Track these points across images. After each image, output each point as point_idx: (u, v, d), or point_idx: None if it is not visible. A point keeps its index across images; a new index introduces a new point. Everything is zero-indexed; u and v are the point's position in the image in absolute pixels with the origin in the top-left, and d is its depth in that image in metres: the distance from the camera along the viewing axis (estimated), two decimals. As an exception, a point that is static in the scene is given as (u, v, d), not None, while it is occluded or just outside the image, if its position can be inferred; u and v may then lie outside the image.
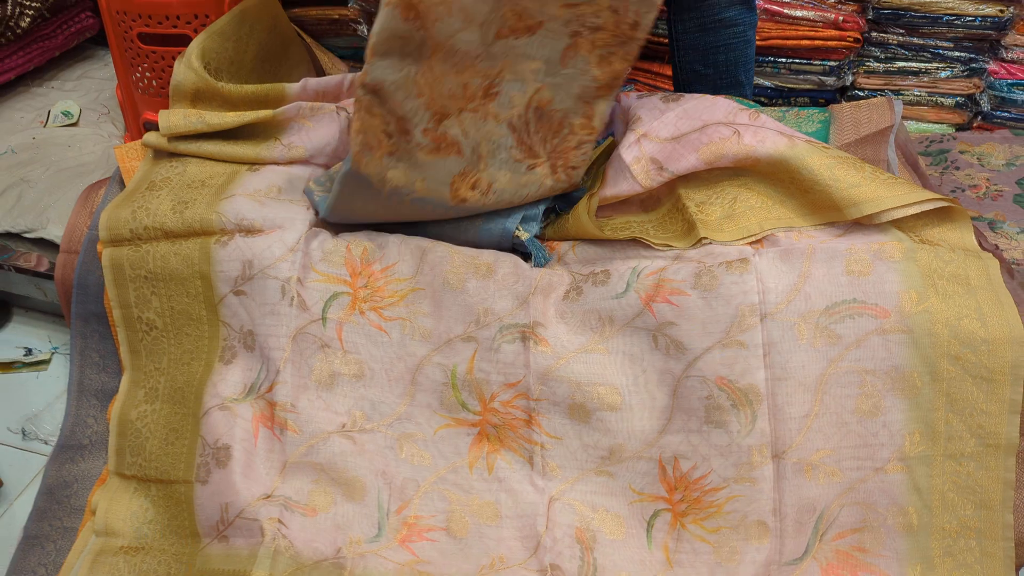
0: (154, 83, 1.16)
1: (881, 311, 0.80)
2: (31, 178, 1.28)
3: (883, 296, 0.80)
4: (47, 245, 1.19)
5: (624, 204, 0.97)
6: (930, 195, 0.84)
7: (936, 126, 1.41)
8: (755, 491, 0.80)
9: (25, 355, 1.25)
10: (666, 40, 1.20)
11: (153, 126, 1.02)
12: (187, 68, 1.00)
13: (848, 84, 1.40)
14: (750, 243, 0.86)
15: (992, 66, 1.33)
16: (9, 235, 1.20)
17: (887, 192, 0.84)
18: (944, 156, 1.09)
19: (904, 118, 1.39)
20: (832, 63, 1.37)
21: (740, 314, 0.81)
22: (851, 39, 1.32)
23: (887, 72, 1.37)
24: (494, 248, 0.94)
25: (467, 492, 0.86)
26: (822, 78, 1.39)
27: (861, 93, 1.40)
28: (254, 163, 1.00)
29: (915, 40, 1.33)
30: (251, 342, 0.90)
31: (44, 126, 1.43)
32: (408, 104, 0.81)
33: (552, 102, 0.89)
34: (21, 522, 0.96)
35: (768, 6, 1.32)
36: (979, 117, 1.38)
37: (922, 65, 1.35)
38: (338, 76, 1.10)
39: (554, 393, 0.85)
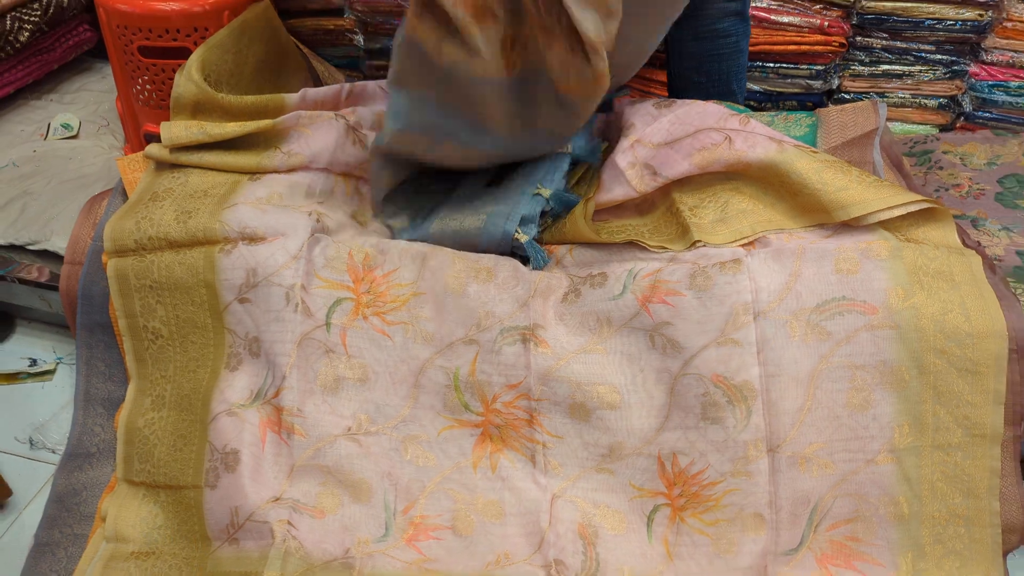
0: (155, 95, 1.18)
1: (869, 308, 0.82)
2: (33, 191, 1.29)
3: (871, 293, 0.82)
4: (51, 257, 1.20)
5: (619, 208, 0.99)
6: (914, 196, 0.87)
7: (920, 127, 1.44)
8: (751, 484, 0.82)
9: (30, 366, 1.26)
10: (662, 47, 1.22)
11: (154, 138, 1.03)
12: (188, 80, 1.01)
13: (834, 87, 1.43)
14: (742, 245, 0.89)
15: (973, 68, 1.36)
16: (13, 247, 1.21)
17: (873, 194, 0.87)
18: (928, 156, 1.12)
19: (889, 119, 1.43)
20: (818, 67, 1.39)
21: (734, 313, 0.83)
22: (836, 44, 1.35)
23: (872, 75, 1.40)
24: (494, 251, 0.96)
25: (471, 491, 0.88)
26: (809, 82, 1.41)
27: (847, 96, 1.43)
28: (255, 172, 1.01)
29: (898, 44, 1.36)
30: (257, 348, 0.91)
31: (44, 139, 1.44)
32: None
33: None
34: (31, 530, 0.97)
35: (756, 13, 1.34)
36: (962, 118, 1.41)
37: (906, 68, 1.38)
38: (336, 86, 1.12)
39: (555, 393, 0.87)
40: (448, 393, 0.90)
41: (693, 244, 0.90)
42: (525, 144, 1.00)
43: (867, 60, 1.40)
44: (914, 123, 1.44)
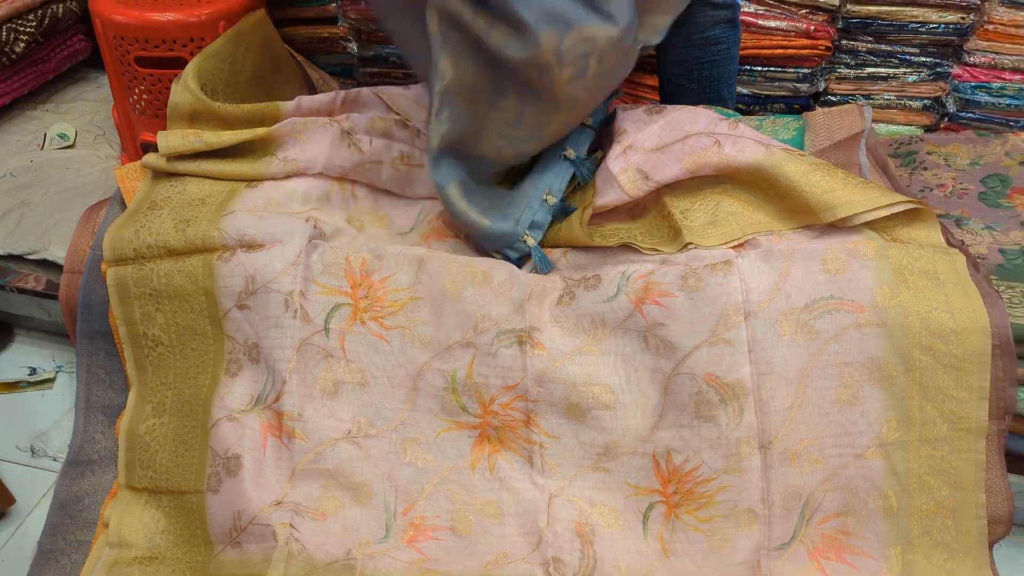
0: (151, 105, 1.19)
1: (857, 306, 0.84)
2: (31, 200, 1.29)
3: (858, 292, 0.84)
4: (49, 266, 1.21)
5: (613, 212, 1.01)
6: (899, 198, 0.89)
7: (906, 128, 1.46)
8: (744, 481, 0.84)
9: (30, 374, 1.27)
10: (653, 52, 1.24)
11: (151, 147, 1.04)
12: (184, 90, 1.02)
13: (821, 90, 1.45)
14: (733, 246, 0.91)
15: (956, 70, 1.38)
16: (11, 257, 1.22)
17: (859, 196, 0.89)
18: (912, 157, 1.14)
19: (875, 121, 1.45)
20: (805, 70, 1.41)
21: (725, 313, 0.85)
22: (822, 47, 1.37)
23: (857, 78, 1.42)
24: (493, 249, 0.97)
25: (470, 492, 0.89)
26: (796, 85, 1.43)
27: (834, 98, 1.45)
28: (252, 179, 1.02)
29: (883, 47, 1.38)
30: (256, 354, 0.92)
31: (41, 149, 1.45)
32: None
33: None
34: (34, 538, 0.98)
35: (744, 18, 1.36)
36: (946, 118, 1.44)
37: (890, 70, 1.41)
38: (330, 93, 1.13)
39: (551, 394, 0.88)
40: (446, 396, 0.91)
41: (684, 246, 0.91)
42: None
43: (853, 63, 1.42)
44: (899, 124, 1.46)
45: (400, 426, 0.91)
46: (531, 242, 0.97)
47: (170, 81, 1.08)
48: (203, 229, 0.94)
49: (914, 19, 1.33)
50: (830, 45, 1.38)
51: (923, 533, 0.84)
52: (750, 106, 1.50)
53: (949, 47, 1.38)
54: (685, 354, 0.86)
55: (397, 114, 1.10)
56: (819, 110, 1.08)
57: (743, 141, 0.93)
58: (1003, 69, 1.38)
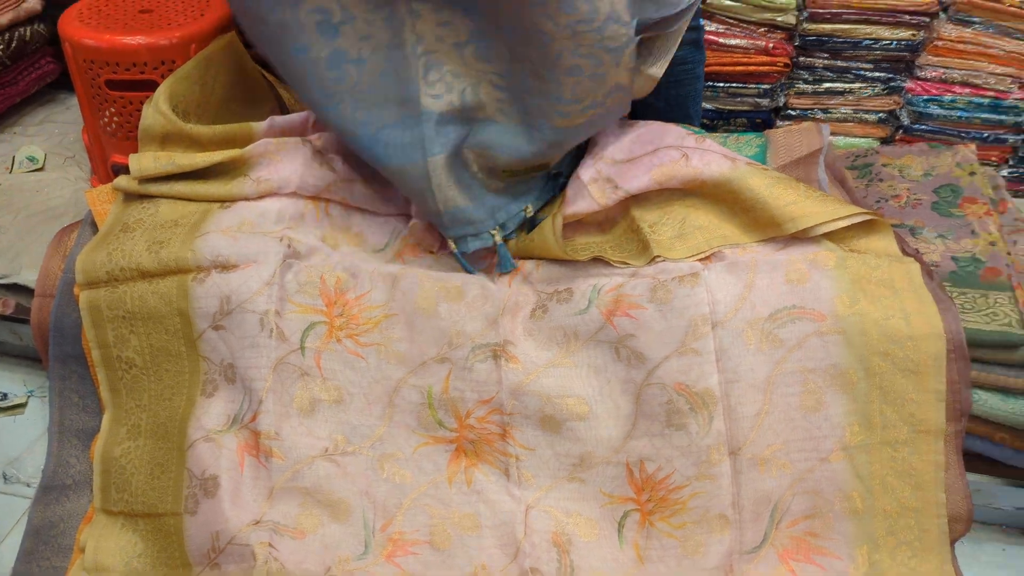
0: (122, 127, 1.18)
1: (818, 315, 0.87)
2: (1, 224, 1.28)
3: (819, 301, 0.87)
4: (20, 290, 1.19)
5: (583, 226, 1.02)
6: (857, 210, 0.92)
7: (863, 140, 1.52)
8: (715, 487, 0.86)
9: (1, 400, 1.25)
10: None
11: (122, 169, 1.04)
12: (156, 112, 1.02)
13: (781, 104, 1.50)
14: (699, 259, 0.93)
15: (909, 84, 1.44)
16: (-19, 281, 1.20)
17: (820, 208, 0.92)
18: (869, 169, 1.18)
19: (833, 134, 1.50)
20: (765, 86, 1.46)
21: (693, 324, 0.87)
22: (781, 64, 1.42)
23: (815, 93, 1.47)
24: (455, 233, 0.97)
25: (447, 506, 0.90)
26: (757, 100, 1.48)
27: (793, 112, 1.50)
28: (225, 200, 1.02)
29: (839, 63, 1.44)
30: (232, 375, 0.93)
31: (10, 172, 1.43)
32: None
33: None
34: (8, 565, 0.96)
35: (706, 36, 1.40)
36: (901, 131, 1.49)
37: (846, 85, 1.46)
38: (302, 113, 1.13)
39: (526, 407, 0.90)
40: (422, 411, 0.92)
41: (653, 259, 0.93)
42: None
43: (810, 79, 1.47)
44: (857, 137, 1.51)
45: (377, 442, 0.92)
46: (498, 238, 0.97)
47: (141, 103, 1.07)
48: (176, 251, 0.94)
49: (867, 36, 1.39)
50: (788, 62, 1.42)
51: (887, 533, 0.87)
52: (714, 120, 1.54)
53: (901, 62, 1.43)
54: (655, 364, 0.88)
55: None
56: (779, 128, 1.12)
57: (709, 155, 0.96)
58: (953, 83, 1.43)
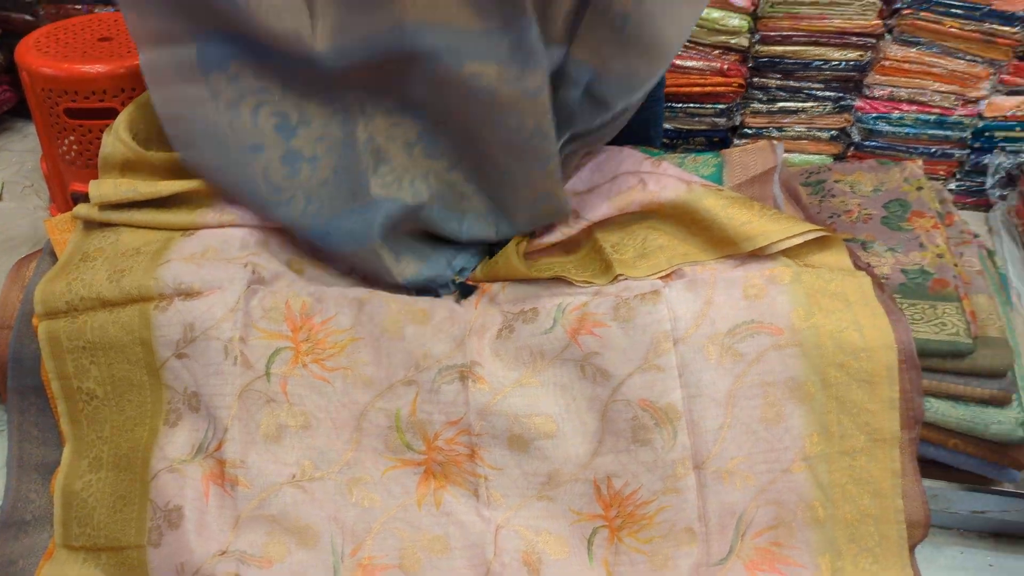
0: (82, 155, 1.17)
1: (776, 329, 0.89)
2: (-44, 255, 1.26)
3: (776, 316, 0.90)
4: (-24, 322, 1.17)
5: (548, 249, 1.05)
6: (810, 227, 0.95)
7: (816, 157, 1.56)
8: (681, 501, 0.87)
9: (-45, 435, 1.22)
10: None
11: (81, 197, 1.03)
12: (116, 140, 1.02)
13: (737, 123, 1.54)
14: (660, 277, 0.95)
15: (859, 102, 1.49)
16: (-66, 314, 1.17)
17: (774, 226, 0.95)
18: (821, 185, 1.22)
19: (788, 151, 1.54)
20: (722, 106, 1.50)
21: (655, 341, 0.89)
22: (736, 85, 1.46)
23: (770, 112, 1.52)
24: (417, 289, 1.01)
25: (417, 529, 0.90)
26: (714, 119, 1.52)
27: (749, 131, 1.54)
28: (188, 229, 1.02)
29: (791, 83, 1.48)
30: (196, 403, 0.92)
31: (-34, 202, 1.41)
32: None
33: None
34: (-35, 605, 0.94)
35: (663, 60, 1.44)
36: (852, 147, 1.54)
37: (799, 104, 1.50)
38: (266, 140, 1.13)
39: (493, 427, 0.90)
40: (390, 434, 0.92)
41: (616, 278, 0.95)
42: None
43: (765, 99, 1.51)
44: (811, 154, 1.56)
45: (345, 467, 0.92)
46: (459, 280, 1.01)
47: (101, 131, 1.06)
48: (138, 279, 0.93)
49: (817, 57, 1.44)
50: (743, 82, 1.47)
51: (849, 540, 0.89)
52: (673, 140, 1.58)
53: (851, 82, 1.48)
54: (620, 381, 0.89)
55: None
56: (735, 148, 1.15)
57: (665, 179, 0.99)
58: (900, 101, 1.49)
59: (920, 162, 1.26)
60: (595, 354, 0.90)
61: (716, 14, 1.41)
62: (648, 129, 1.29)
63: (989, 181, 1.54)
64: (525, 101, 0.89)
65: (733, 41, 1.42)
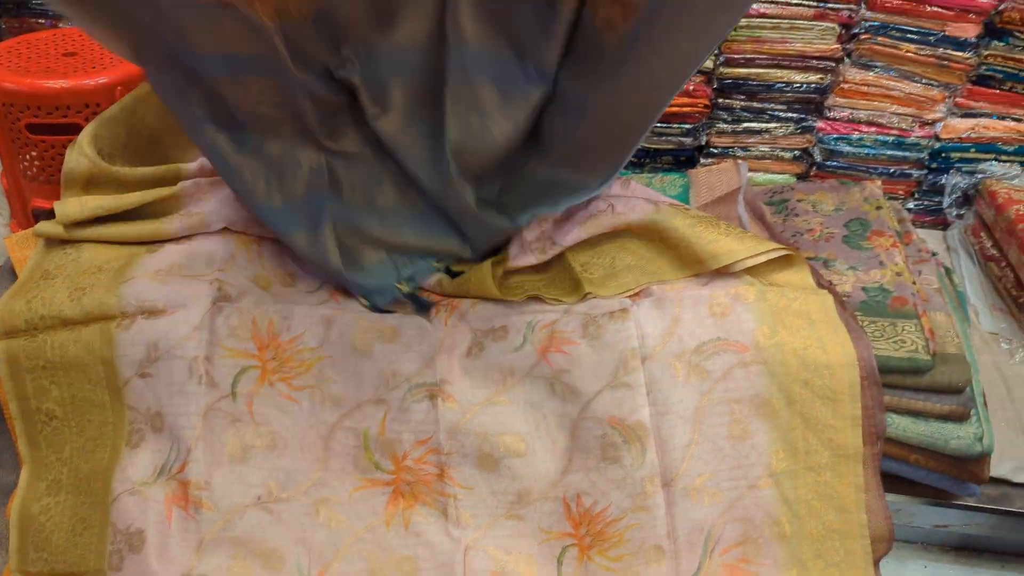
0: (44, 171, 1.15)
1: (741, 347, 0.91)
2: (-91, 273, 1.22)
3: (742, 333, 0.91)
4: (-70, 341, 1.13)
5: (519, 269, 1.05)
6: (775, 245, 0.97)
7: (780, 176, 1.60)
8: (650, 518, 0.88)
9: (-94, 458, 1.18)
10: None
11: (43, 213, 1.01)
12: (79, 155, 1.00)
13: (703, 143, 1.57)
14: (628, 295, 0.96)
15: (820, 124, 1.53)
16: None
17: (740, 245, 0.96)
18: (784, 205, 1.24)
19: (753, 170, 1.57)
20: (688, 126, 1.53)
21: (624, 358, 0.89)
22: (701, 105, 1.49)
23: (734, 132, 1.55)
24: (362, 295, 1.00)
25: (385, 550, 0.89)
26: (681, 139, 1.55)
27: (715, 150, 1.57)
28: (153, 240, 1.00)
29: (755, 104, 1.52)
30: (159, 423, 0.90)
31: (-80, 218, 1.37)
32: None
33: None
34: (-87, 636, 0.91)
35: (629, 79, 1.46)
36: (814, 167, 1.58)
37: (763, 125, 1.54)
38: (233, 155, 1.12)
39: (463, 446, 0.90)
40: (359, 454, 0.91)
41: (584, 296, 0.96)
42: None
43: (729, 119, 1.54)
44: (775, 173, 1.59)
45: (312, 487, 0.91)
46: (405, 290, 0.99)
47: (64, 147, 1.05)
48: (100, 297, 0.92)
49: (779, 79, 1.47)
50: (708, 103, 1.49)
51: (815, 556, 0.90)
52: (641, 159, 1.60)
53: (812, 104, 1.52)
54: (589, 399, 0.89)
55: None
56: (701, 168, 1.18)
57: (634, 201, 1.00)
58: (860, 122, 1.53)
59: (879, 182, 1.30)
60: (564, 372, 0.90)
61: (682, 36, 1.43)
62: None
63: (946, 201, 1.59)
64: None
65: (699, 63, 1.45)
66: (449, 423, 0.90)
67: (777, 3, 1.42)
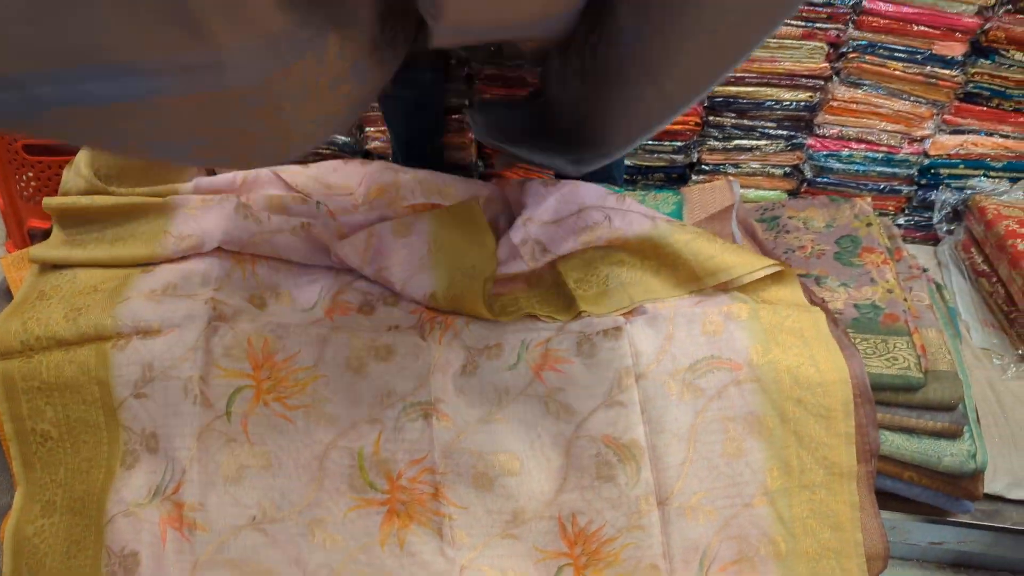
0: (40, 191, 1.16)
1: (735, 365, 0.91)
2: (-97, 294, 1.22)
3: (735, 351, 0.92)
4: (-77, 362, 1.13)
5: (511, 281, 1.05)
6: (769, 262, 0.98)
7: (771, 193, 1.61)
8: (645, 537, 0.88)
9: (-101, 480, 1.17)
10: None
11: (39, 234, 1.02)
12: (76, 175, 1.01)
13: (695, 160, 1.57)
14: (622, 313, 0.96)
15: (810, 141, 1.54)
16: None
17: (737, 260, 0.97)
18: (776, 221, 1.25)
19: (744, 187, 1.58)
20: (679, 143, 1.53)
21: (618, 377, 0.90)
22: (692, 123, 1.49)
23: (725, 149, 1.56)
24: None
25: (380, 570, 0.89)
26: (673, 156, 1.55)
27: (707, 167, 1.58)
28: (147, 262, 1.01)
29: (745, 122, 1.53)
30: (154, 444, 0.90)
31: (-85, 239, 1.37)
32: None
33: None
34: (-96, 660, 0.90)
35: (621, 98, 1.47)
36: (805, 184, 1.59)
37: (753, 142, 1.55)
38: (229, 174, 1.13)
39: (457, 465, 0.90)
40: (353, 473, 0.91)
41: (578, 314, 0.97)
42: None
43: (720, 136, 1.55)
44: (766, 189, 1.60)
45: (307, 508, 0.90)
46: None
47: (60, 168, 1.06)
48: (95, 317, 0.92)
49: (769, 97, 1.48)
50: (699, 121, 1.50)
51: (810, 574, 0.90)
52: (634, 176, 1.60)
53: (802, 121, 1.53)
54: (583, 418, 0.90)
55: (296, 191, 1.12)
56: (694, 186, 1.19)
57: (631, 215, 1.01)
58: (849, 139, 1.54)
59: (869, 199, 1.31)
60: (559, 390, 0.91)
61: (674, 55, 1.44)
62: (611, 168, 1.31)
63: (936, 216, 1.60)
64: None
65: (690, 81, 1.46)
66: (444, 442, 0.90)
67: (767, 23, 1.43)
